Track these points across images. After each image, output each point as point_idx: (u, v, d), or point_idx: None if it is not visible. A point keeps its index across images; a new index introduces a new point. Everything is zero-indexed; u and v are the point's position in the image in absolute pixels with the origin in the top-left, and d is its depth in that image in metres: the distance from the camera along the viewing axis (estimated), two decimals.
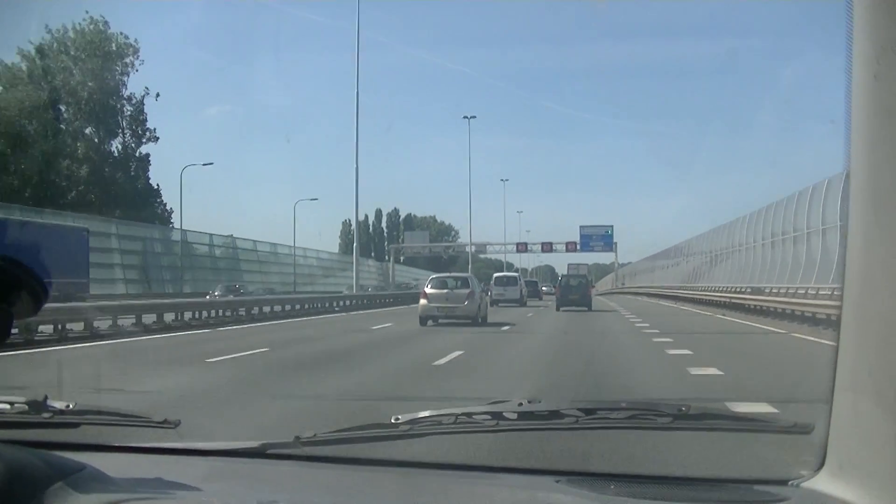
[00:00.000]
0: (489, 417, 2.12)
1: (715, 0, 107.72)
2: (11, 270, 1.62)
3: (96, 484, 1.76)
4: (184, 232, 60.92)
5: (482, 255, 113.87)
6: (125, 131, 66.48)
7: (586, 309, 37.27)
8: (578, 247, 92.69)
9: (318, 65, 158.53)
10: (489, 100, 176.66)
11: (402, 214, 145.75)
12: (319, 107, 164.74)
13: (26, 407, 2.25)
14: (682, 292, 47.53)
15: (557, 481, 2.03)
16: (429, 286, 26.56)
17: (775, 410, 7.99)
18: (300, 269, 76.02)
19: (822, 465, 1.70)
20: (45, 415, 2.23)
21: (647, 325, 24.02)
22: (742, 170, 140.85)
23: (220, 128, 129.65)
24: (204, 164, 76.74)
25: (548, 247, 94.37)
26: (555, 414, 2.10)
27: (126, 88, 65.47)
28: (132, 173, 66.44)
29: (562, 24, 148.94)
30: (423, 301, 25.94)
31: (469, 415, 2.13)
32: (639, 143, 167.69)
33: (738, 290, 34.45)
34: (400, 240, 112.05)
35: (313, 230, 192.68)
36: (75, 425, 2.29)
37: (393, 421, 2.16)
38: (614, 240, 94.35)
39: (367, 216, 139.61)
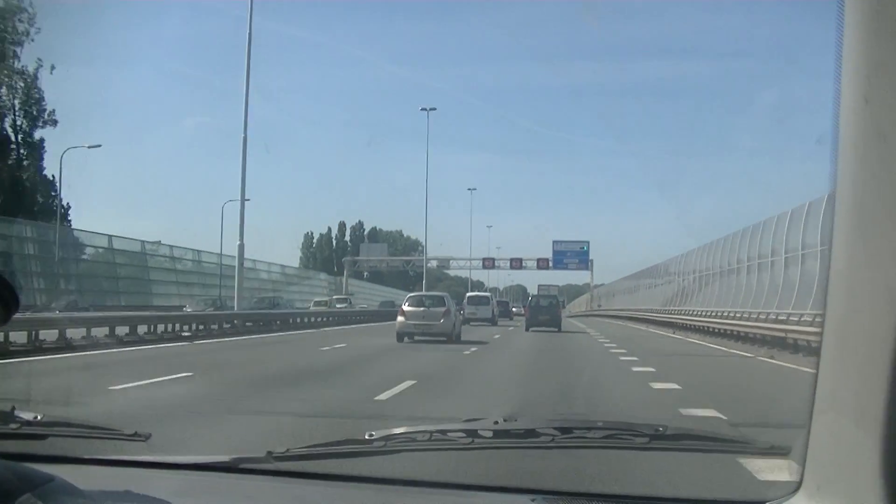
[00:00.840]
0: (464, 435, 2.10)
1: (701, 21, 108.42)
2: None
3: (65, 496, 1.73)
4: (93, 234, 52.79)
5: (445, 270, 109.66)
6: (16, 111, 54.67)
7: (556, 330, 37.33)
8: (551, 263, 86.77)
9: (293, 78, 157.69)
10: (465, 117, 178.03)
11: (368, 228, 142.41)
12: (293, 119, 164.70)
13: None
14: (664, 316, 43.14)
15: (533, 500, 2.02)
16: (406, 304, 27.44)
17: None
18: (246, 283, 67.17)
19: (799, 486, 1.70)
20: (13, 426, 2.20)
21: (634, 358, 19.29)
22: (724, 189, 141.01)
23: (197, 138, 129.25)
24: (90, 147, 51.62)
25: (517, 263, 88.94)
26: (531, 433, 2.09)
27: (19, 60, 53.93)
28: (20, 161, 54.45)
29: (544, 42, 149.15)
30: (400, 318, 26.66)
31: (444, 432, 2.12)
32: (619, 162, 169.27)
33: (722, 314, 31.69)
34: (354, 253, 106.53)
35: (267, 243, 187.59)
36: (43, 437, 2.25)
37: (367, 437, 2.15)
38: (590, 257, 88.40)
39: (329, 229, 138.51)
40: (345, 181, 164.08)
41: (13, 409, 2.24)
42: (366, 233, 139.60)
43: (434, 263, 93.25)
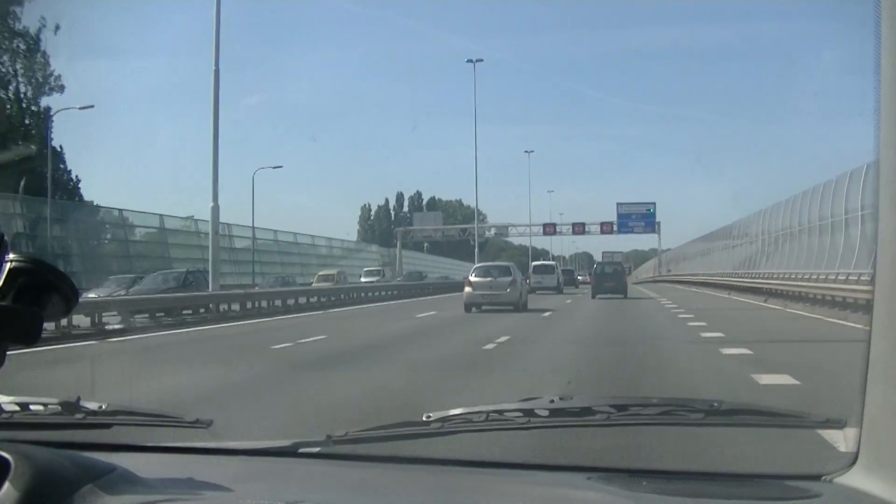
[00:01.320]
0: (521, 415, 2.10)
1: None
2: (43, 274, 1.64)
3: (126, 485, 1.77)
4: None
5: (505, 238, 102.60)
6: (17, 76, 49.11)
7: (622, 296, 37.32)
8: (615, 227, 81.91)
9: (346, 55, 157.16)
10: (518, 86, 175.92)
11: (426, 198, 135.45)
12: (342, 97, 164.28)
13: (59, 408, 2.26)
14: (747, 281, 37.40)
15: (589, 478, 2.03)
16: (473, 275, 28.26)
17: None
18: (293, 258, 64.62)
19: (855, 459, 1.68)
20: (78, 416, 2.24)
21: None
22: (783, 154, 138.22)
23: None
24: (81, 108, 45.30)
25: (580, 228, 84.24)
26: (586, 411, 2.09)
27: (19, 21, 48.33)
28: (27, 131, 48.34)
29: (598, 9, 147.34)
30: (467, 289, 27.61)
31: (500, 412, 2.12)
32: (669, 128, 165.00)
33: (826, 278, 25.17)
34: (407, 223, 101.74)
35: (334, 219, 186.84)
36: (108, 426, 2.29)
37: (424, 419, 2.15)
38: (657, 219, 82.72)
39: (387, 200, 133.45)
40: (403, 155, 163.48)
41: (78, 399, 2.29)
42: (424, 203, 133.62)
43: (492, 231, 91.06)
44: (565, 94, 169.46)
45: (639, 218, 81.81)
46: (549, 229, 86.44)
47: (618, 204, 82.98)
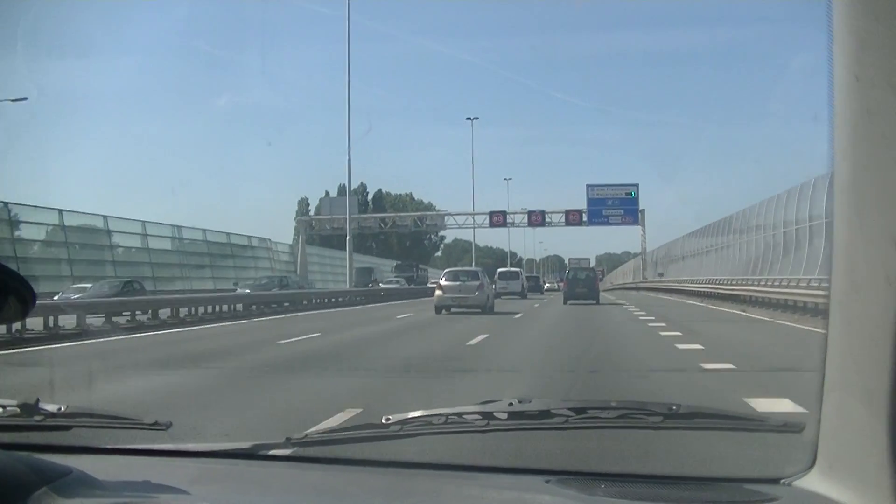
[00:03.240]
0: (479, 417, 2.12)
1: None
2: None
3: (82, 488, 1.76)
4: None
5: (441, 231, 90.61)
6: None
7: (594, 302, 37.31)
8: (585, 217, 62.57)
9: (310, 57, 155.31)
10: (496, 91, 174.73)
11: (372, 191, 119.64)
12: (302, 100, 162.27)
13: (18, 410, 2.25)
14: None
15: (547, 481, 2.03)
16: (443, 279, 29.96)
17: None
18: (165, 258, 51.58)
19: (812, 463, 1.70)
20: (37, 417, 2.23)
21: None
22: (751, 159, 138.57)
23: None
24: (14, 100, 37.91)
25: (538, 218, 64.34)
26: (545, 413, 2.10)
27: None
28: None
29: (560, 14, 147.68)
30: (438, 292, 29.10)
31: (459, 415, 2.13)
32: (635, 132, 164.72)
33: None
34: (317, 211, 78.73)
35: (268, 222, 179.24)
36: (67, 428, 2.28)
37: (384, 421, 2.16)
38: (640, 206, 63.31)
39: (326, 193, 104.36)
40: (362, 155, 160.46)
41: (37, 401, 2.27)
42: (370, 197, 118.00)
43: (427, 222, 73.96)
44: (531, 96, 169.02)
45: (616, 204, 62.66)
46: (498, 219, 65.89)
47: (588, 186, 63.15)
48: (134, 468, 2.12)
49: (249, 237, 61.49)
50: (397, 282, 63.93)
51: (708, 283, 38.94)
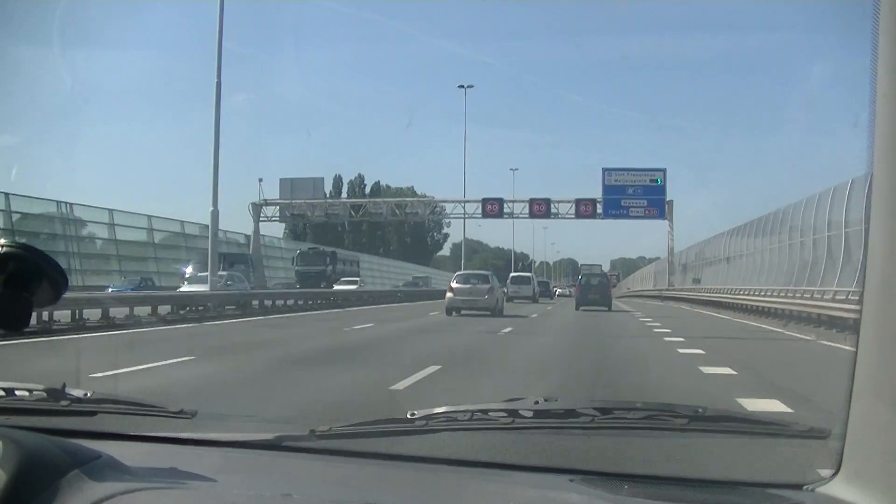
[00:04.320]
0: (505, 415, 2.12)
1: None
2: (32, 259, 1.64)
3: (112, 472, 1.77)
4: None
5: (432, 217, 78.12)
6: None
7: (606, 309, 37.09)
8: (599, 208, 53.90)
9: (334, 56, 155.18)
10: (507, 91, 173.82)
11: (370, 183, 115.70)
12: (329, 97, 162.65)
13: (45, 395, 2.27)
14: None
15: (571, 480, 2.03)
16: (455, 282, 31.08)
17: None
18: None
19: (838, 470, 1.69)
20: (63, 403, 2.25)
21: None
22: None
23: None
24: None
25: (541, 208, 55.84)
26: (571, 413, 2.10)
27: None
28: None
29: (581, 18, 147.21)
30: (449, 294, 30.31)
31: (485, 412, 2.14)
32: (656, 137, 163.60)
33: None
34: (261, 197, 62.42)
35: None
36: (92, 413, 2.31)
37: (409, 416, 2.17)
38: (667, 196, 53.39)
39: (356, 197, 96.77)
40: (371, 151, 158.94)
41: (64, 386, 2.29)
42: (367, 189, 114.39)
43: (406, 209, 63.37)
44: (551, 100, 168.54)
45: (639, 193, 53.06)
46: (493, 207, 57.12)
47: (604, 171, 53.78)
48: (160, 455, 2.13)
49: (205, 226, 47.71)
50: (354, 282, 57.34)
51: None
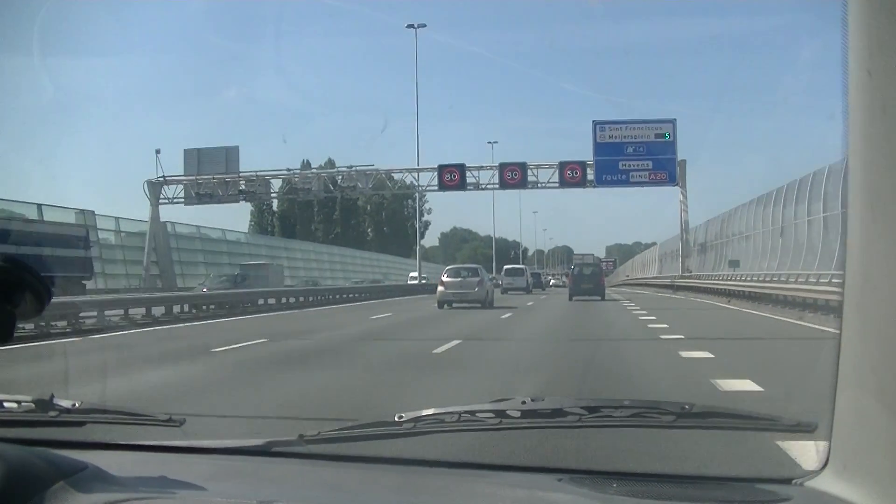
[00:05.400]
0: (492, 416, 2.11)
1: None
2: (15, 271, 1.63)
3: (98, 483, 1.77)
4: None
5: (384, 192, 66.67)
6: None
7: (598, 298, 37.14)
8: (591, 174, 43.18)
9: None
10: (491, 78, 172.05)
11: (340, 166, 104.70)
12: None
13: (33, 405, 2.25)
14: None
15: (559, 480, 2.04)
16: (445, 276, 31.85)
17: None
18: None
19: (825, 464, 1.69)
20: (52, 413, 2.23)
21: None
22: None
23: None
24: None
25: (516, 174, 44.51)
26: (558, 412, 2.09)
27: None
28: None
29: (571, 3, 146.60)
30: (440, 288, 31.22)
31: (472, 413, 2.13)
32: None
33: None
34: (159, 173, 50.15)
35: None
36: (81, 424, 2.30)
37: (396, 419, 2.16)
38: (678, 155, 42.33)
39: (288, 170, 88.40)
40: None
41: (52, 396, 2.28)
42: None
43: (342, 178, 51.37)
44: (538, 86, 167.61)
45: (641, 151, 41.82)
46: (452, 177, 45.61)
47: (595, 124, 42.53)
48: (148, 464, 2.13)
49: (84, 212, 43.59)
50: (226, 278, 47.37)
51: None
